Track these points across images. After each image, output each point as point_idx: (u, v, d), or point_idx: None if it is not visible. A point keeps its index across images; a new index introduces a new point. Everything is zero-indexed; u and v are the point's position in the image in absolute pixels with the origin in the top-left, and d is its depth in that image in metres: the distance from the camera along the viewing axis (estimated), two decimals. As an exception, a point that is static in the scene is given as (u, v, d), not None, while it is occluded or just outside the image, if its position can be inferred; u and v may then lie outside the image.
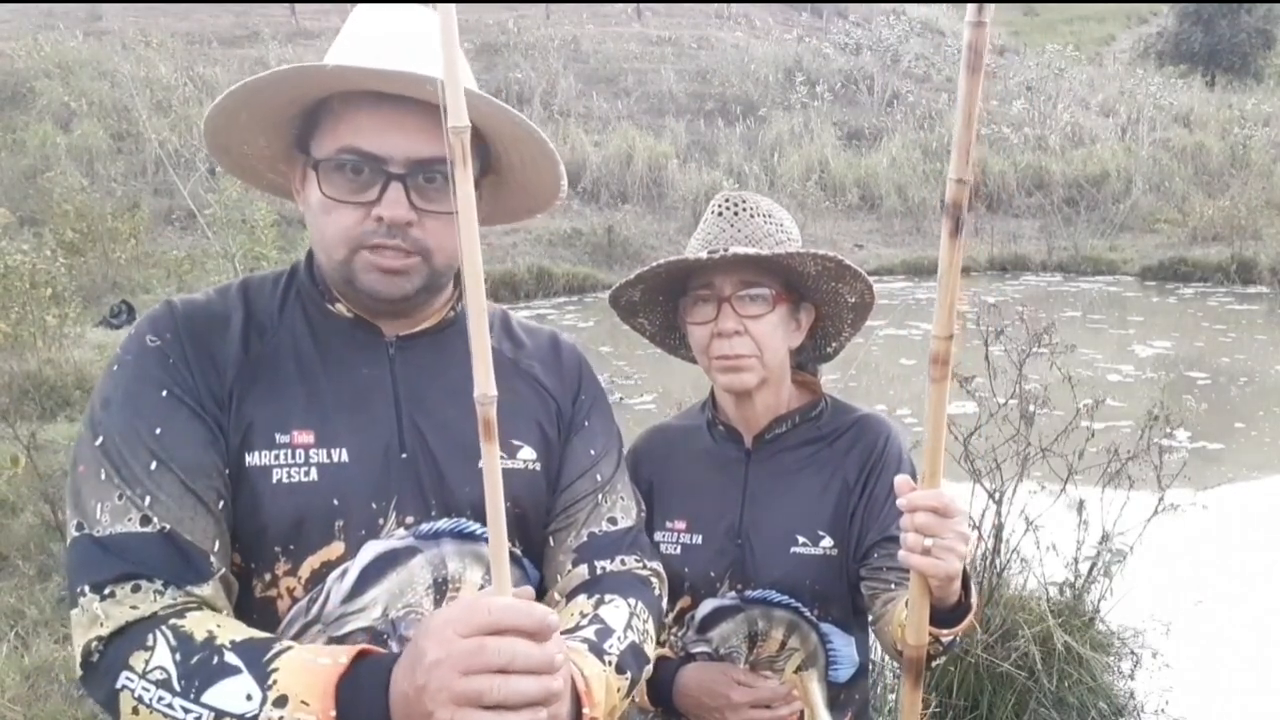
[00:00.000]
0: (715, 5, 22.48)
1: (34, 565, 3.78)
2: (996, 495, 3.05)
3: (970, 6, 0.87)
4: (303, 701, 0.84)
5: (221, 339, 1.03)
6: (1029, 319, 3.05)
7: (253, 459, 1.00)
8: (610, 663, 1.03)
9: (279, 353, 1.05)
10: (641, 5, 22.22)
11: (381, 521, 1.02)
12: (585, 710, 0.94)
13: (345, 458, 1.01)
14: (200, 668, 0.86)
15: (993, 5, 0.87)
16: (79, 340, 7.48)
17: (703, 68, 19.31)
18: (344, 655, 0.87)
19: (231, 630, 0.90)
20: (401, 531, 1.03)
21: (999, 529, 3.08)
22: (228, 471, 0.99)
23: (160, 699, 0.86)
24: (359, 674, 0.86)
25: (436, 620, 0.85)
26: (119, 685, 0.87)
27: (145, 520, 0.93)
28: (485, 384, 0.82)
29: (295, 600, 1.00)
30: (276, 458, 1.00)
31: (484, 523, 1.03)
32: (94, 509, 0.93)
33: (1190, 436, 5.92)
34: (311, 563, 1.00)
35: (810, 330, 1.45)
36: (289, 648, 0.89)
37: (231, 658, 0.87)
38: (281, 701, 0.84)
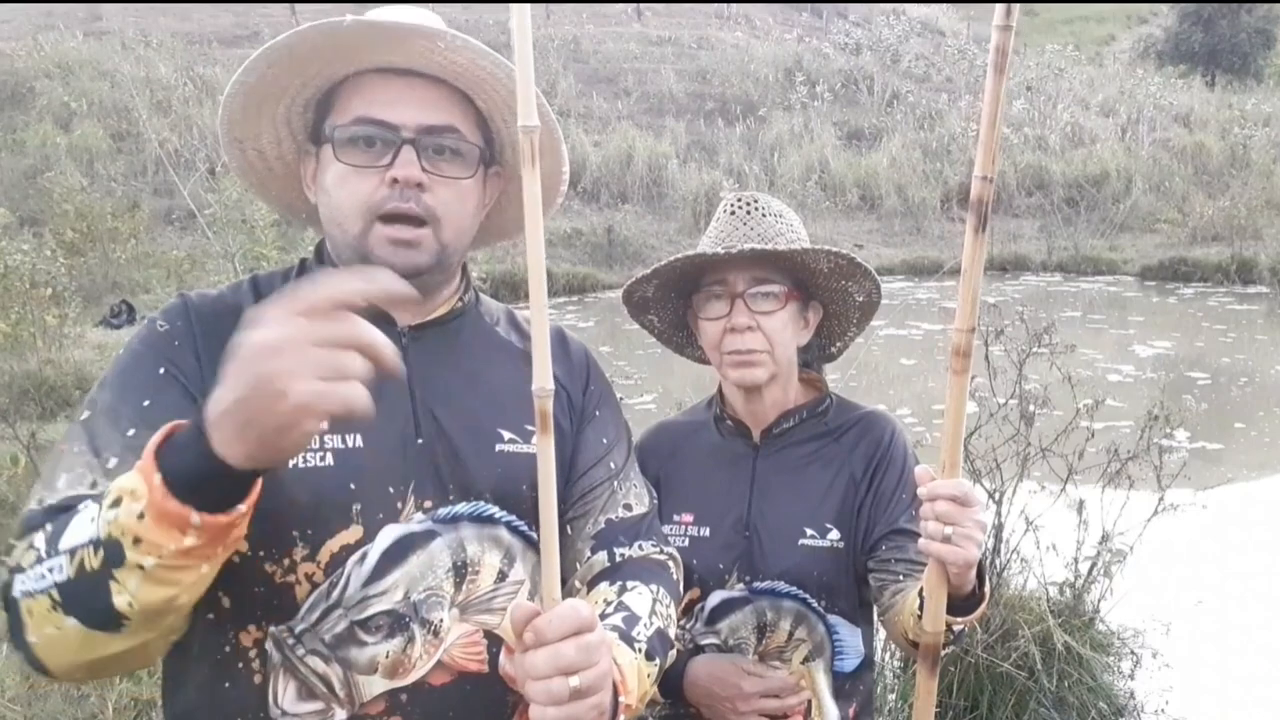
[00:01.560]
0: (715, 5, 22.50)
1: (34, 565, 3.78)
2: (996, 495, 3.05)
3: (998, 9, 0.89)
4: (131, 491, 0.79)
5: (233, 328, 1.03)
6: (1029, 319, 3.06)
7: None
8: (640, 649, 1.04)
9: None
10: (641, 5, 22.24)
11: (400, 505, 1.03)
12: (622, 699, 0.95)
13: (360, 443, 1.02)
14: (59, 528, 0.84)
15: (1019, 7, 0.90)
16: (79, 340, 7.48)
17: (703, 68, 19.33)
18: (161, 434, 0.81)
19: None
20: (420, 516, 1.03)
21: (999, 529, 3.08)
22: None
23: (35, 577, 0.83)
24: (174, 439, 0.80)
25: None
26: (17, 594, 0.85)
27: (93, 485, 0.92)
28: (544, 377, 0.83)
29: (315, 585, 1.00)
30: None
31: (502, 506, 1.06)
32: (57, 479, 0.93)
33: (1190, 436, 5.92)
34: (330, 546, 1.00)
35: (816, 329, 1.48)
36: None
37: (82, 505, 0.84)
38: (116, 503, 0.79)
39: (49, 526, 0.86)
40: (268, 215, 8.79)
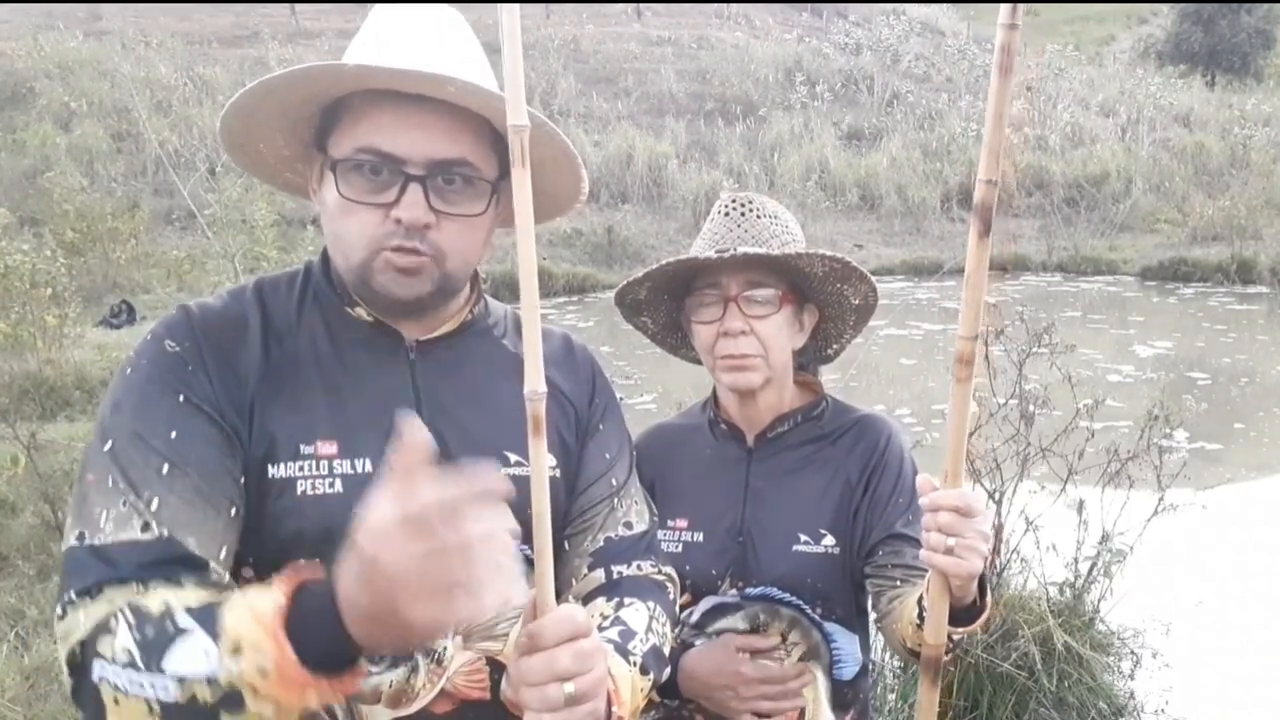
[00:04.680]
0: (715, 5, 22.48)
1: (34, 565, 3.78)
2: (996, 495, 3.05)
3: (1003, 8, 0.88)
4: (255, 645, 0.78)
5: (241, 345, 1.01)
6: (1029, 319, 3.06)
7: (276, 470, 0.97)
8: (635, 664, 1.03)
9: (299, 358, 1.03)
10: (641, 5, 22.23)
11: None
12: (614, 710, 0.94)
13: (369, 468, 0.99)
14: (157, 638, 0.81)
15: (1024, 6, 0.88)
16: (79, 340, 7.47)
17: (703, 68, 19.30)
18: (282, 594, 0.80)
19: (191, 598, 0.84)
20: None
21: (999, 529, 3.08)
22: (244, 481, 0.96)
23: (131, 681, 0.80)
24: (302, 608, 0.80)
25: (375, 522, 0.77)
26: (96, 678, 0.82)
27: (145, 527, 0.89)
28: (536, 380, 0.82)
29: None
30: (301, 469, 0.98)
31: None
32: (99, 517, 0.89)
33: (1190, 436, 5.91)
34: None
35: (812, 332, 1.46)
36: (235, 597, 0.83)
37: (184, 620, 0.81)
38: (236, 651, 0.78)
39: (130, 614, 0.82)
40: (268, 215, 8.78)
